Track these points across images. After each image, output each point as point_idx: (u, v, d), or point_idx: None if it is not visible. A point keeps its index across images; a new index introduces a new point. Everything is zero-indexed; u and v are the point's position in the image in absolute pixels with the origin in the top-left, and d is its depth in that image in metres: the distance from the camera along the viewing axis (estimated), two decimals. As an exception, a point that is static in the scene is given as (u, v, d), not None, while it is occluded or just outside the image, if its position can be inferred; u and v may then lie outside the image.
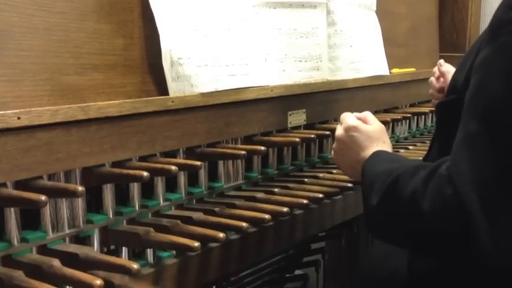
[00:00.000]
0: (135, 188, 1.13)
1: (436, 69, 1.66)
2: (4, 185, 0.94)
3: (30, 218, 1.00)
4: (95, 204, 1.11)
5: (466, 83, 0.86)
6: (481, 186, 0.75)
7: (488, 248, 0.75)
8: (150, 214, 1.17)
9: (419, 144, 1.91)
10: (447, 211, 0.78)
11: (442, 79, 1.61)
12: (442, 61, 1.64)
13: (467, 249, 0.78)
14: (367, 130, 1.10)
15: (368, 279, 1.20)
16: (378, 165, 0.98)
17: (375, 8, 1.87)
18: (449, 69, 1.60)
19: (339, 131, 1.14)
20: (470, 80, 0.84)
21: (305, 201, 1.26)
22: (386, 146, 1.09)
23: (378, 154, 1.03)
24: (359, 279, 1.19)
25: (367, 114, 1.15)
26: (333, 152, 1.18)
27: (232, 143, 1.35)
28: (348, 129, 1.11)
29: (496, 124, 0.77)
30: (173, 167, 1.06)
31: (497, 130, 0.77)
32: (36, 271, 0.91)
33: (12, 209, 0.95)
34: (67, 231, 1.03)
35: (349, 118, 1.13)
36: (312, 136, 1.44)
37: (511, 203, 0.75)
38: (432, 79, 1.67)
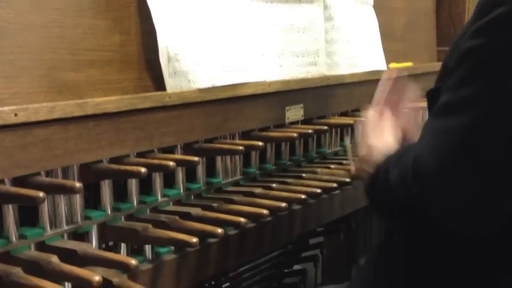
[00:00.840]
0: (133, 184, 1.13)
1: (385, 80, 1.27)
2: (2, 181, 0.94)
3: (28, 215, 1.00)
4: (93, 200, 1.10)
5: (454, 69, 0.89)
6: (437, 152, 0.83)
7: (440, 209, 0.84)
8: (148, 210, 1.17)
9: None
10: (406, 179, 0.87)
11: None
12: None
13: (423, 211, 0.87)
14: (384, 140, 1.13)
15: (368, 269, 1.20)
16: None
17: (372, 2, 1.86)
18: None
19: (363, 151, 1.15)
20: (454, 65, 0.87)
21: (303, 197, 1.27)
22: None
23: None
24: (359, 271, 1.19)
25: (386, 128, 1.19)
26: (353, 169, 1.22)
27: (229, 139, 1.34)
28: (371, 148, 1.12)
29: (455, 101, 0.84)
30: (171, 163, 1.06)
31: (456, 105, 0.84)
32: (34, 267, 0.91)
33: (10, 206, 0.95)
34: (65, 227, 1.03)
35: (370, 134, 1.16)
36: (310, 131, 1.44)
37: (462, 168, 0.81)
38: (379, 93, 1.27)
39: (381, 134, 1.15)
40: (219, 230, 1.05)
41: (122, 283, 0.94)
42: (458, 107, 0.84)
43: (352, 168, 1.23)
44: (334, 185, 1.38)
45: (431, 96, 0.99)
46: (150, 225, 1.06)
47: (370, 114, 1.18)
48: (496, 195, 0.82)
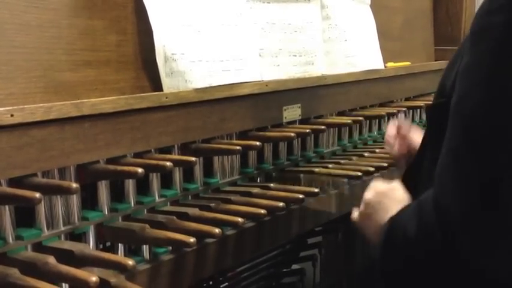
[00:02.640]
0: (130, 185, 1.13)
1: (391, 129, 1.36)
2: (-2, 182, 0.93)
3: (25, 216, 0.99)
4: (90, 201, 1.10)
5: (453, 87, 0.85)
6: (462, 199, 0.76)
7: (473, 260, 0.76)
8: (145, 210, 1.17)
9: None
10: (430, 232, 0.79)
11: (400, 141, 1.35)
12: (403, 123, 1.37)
13: (453, 266, 0.78)
14: (396, 196, 1.06)
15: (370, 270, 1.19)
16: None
17: (369, 1, 1.87)
18: (410, 131, 1.33)
19: (369, 194, 1.11)
20: (455, 87, 0.83)
21: (301, 196, 1.26)
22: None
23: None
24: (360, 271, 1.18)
25: (396, 183, 1.11)
26: (356, 213, 1.15)
27: (227, 139, 1.34)
28: (378, 194, 1.08)
29: (477, 136, 0.77)
30: (168, 163, 1.06)
31: (478, 142, 0.77)
32: (31, 268, 0.91)
33: (6, 207, 0.95)
34: (62, 228, 1.03)
35: (379, 184, 1.11)
36: (307, 131, 1.44)
37: (492, 214, 0.74)
38: (389, 140, 1.37)
39: (393, 190, 1.08)
40: (217, 230, 1.05)
41: (119, 284, 0.93)
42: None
43: (355, 214, 1.15)
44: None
45: (432, 113, 0.96)
46: (147, 226, 1.06)
47: (368, 196, 1.11)
48: None
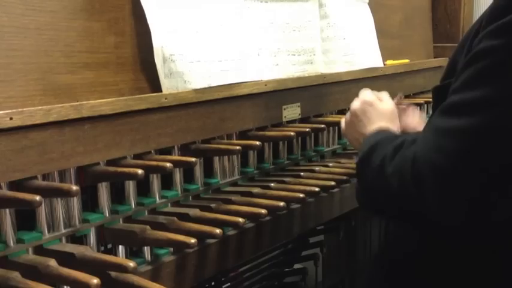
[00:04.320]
0: (130, 186, 1.13)
1: None
2: (-2, 186, 0.93)
3: (26, 219, 0.99)
4: (90, 203, 1.10)
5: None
6: (439, 151, 0.82)
7: (437, 210, 0.83)
8: (146, 212, 1.16)
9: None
10: (404, 173, 0.86)
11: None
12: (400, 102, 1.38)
13: (418, 209, 0.85)
14: (381, 107, 1.17)
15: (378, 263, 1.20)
16: (375, 137, 1.04)
17: (367, -1, 1.86)
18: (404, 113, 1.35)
19: (355, 103, 1.19)
20: (465, 66, 0.85)
21: (301, 195, 1.26)
22: (394, 125, 1.14)
23: (380, 130, 1.09)
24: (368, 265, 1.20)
25: (384, 94, 1.22)
26: (343, 122, 1.23)
27: (227, 139, 1.34)
28: (364, 103, 1.17)
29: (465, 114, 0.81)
30: (168, 164, 1.06)
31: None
32: (32, 272, 0.91)
33: (7, 210, 0.95)
34: (63, 230, 1.03)
35: (366, 93, 1.20)
36: (307, 130, 1.43)
37: (465, 170, 0.80)
38: None
39: (380, 101, 1.18)
40: (218, 231, 1.05)
41: (119, 276, 0.93)
42: (467, 107, 0.82)
43: (342, 122, 1.23)
44: (333, 183, 1.38)
45: (438, 94, 0.98)
46: (148, 227, 1.06)
47: (354, 104, 1.20)
48: (495, 200, 0.81)
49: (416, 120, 1.31)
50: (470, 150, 0.80)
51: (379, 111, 1.16)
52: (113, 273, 0.95)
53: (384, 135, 1.03)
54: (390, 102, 1.20)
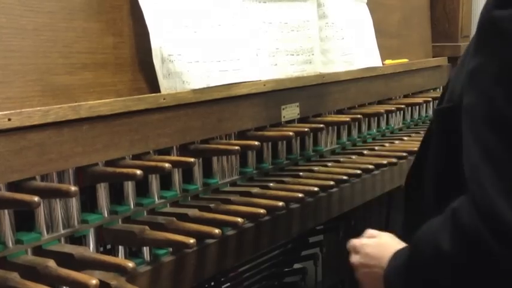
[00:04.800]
0: (129, 187, 1.13)
1: None
2: (-4, 187, 0.93)
3: (25, 219, 0.99)
4: (89, 203, 1.10)
5: (462, 90, 0.83)
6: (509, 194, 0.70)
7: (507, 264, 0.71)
8: (145, 212, 1.16)
9: (413, 135, 1.91)
10: (474, 234, 0.73)
11: None
12: None
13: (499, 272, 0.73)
14: (377, 242, 1.03)
15: None
16: (396, 262, 0.91)
17: (365, -1, 1.86)
18: None
19: (353, 258, 1.06)
20: (464, 91, 0.81)
21: (300, 195, 1.26)
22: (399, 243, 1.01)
23: (394, 256, 0.94)
24: None
25: (369, 231, 1.09)
26: (360, 279, 1.07)
27: (225, 139, 1.34)
28: (359, 249, 1.05)
29: (508, 130, 0.73)
30: (166, 164, 1.06)
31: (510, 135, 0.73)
32: (31, 272, 0.91)
33: (6, 211, 0.95)
34: (62, 231, 1.03)
35: (355, 242, 1.07)
36: (306, 130, 1.44)
37: None
38: None
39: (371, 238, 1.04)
40: (216, 231, 1.05)
41: (119, 286, 0.93)
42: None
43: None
44: (332, 182, 1.38)
45: (444, 116, 0.93)
46: (147, 227, 1.06)
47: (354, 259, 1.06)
48: None
49: None
50: None
51: (379, 246, 1.01)
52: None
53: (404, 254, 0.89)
54: (380, 234, 1.06)
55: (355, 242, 1.06)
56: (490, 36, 0.78)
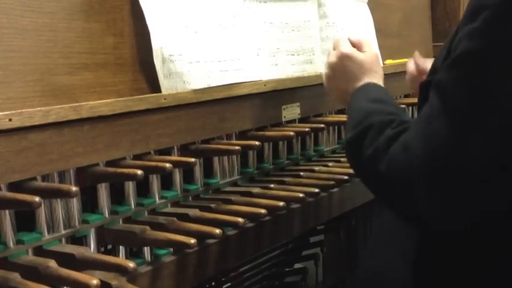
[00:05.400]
0: (130, 187, 1.13)
1: (411, 67, 1.48)
2: (-3, 187, 0.93)
3: (26, 220, 0.99)
4: (90, 204, 1.10)
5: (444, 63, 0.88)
6: (427, 157, 0.80)
7: (426, 212, 0.81)
8: (146, 212, 1.17)
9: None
10: (395, 176, 0.84)
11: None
12: (419, 59, 1.47)
13: (410, 210, 0.85)
14: (361, 59, 1.11)
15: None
16: (362, 100, 1.02)
17: (366, -1, 1.86)
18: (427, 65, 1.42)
19: (332, 58, 1.13)
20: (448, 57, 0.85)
21: (301, 195, 1.26)
22: (377, 76, 1.11)
23: (365, 87, 1.06)
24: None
25: (363, 40, 1.16)
26: (324, 77, 1.19)
27: (226, 139, 1.34)
28: (342, 58, 1.12)
29: (454, 101, 0.80)
30: (167, 165, 1.06)
31: (455, 108, 0.80)
32: (32, 273, 0.91)
33: (7, 211, 0.95)
34: (63, 231, 1.03)
35: (343, 45, 1.13)
36: (307, 129, 1.43)
37: (451, 175, 0.79)
38: (409, 77, 1.50)
39: (360, 50, 1.14)
40: (217, 231, 1.05)
41: (120, 286, 0.93)
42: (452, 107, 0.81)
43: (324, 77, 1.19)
44: (332, 182, 1.38)
45: (424, 90, 0.99)
46: (148, 228, 1.06)
47: (331, 59, 1.15)
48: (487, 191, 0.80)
49: None
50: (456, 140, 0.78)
51: (360, 64, 1.10)
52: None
53: (372, 99, 1.01)
54: (369, 49, 1.15)
55: (343, 46, 1.15)
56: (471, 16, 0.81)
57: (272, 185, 1.34)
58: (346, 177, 1.42)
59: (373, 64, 1.13)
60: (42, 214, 1.00)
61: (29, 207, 0.88)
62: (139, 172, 1.01)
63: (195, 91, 1.24)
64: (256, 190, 1.30)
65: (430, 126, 0.82)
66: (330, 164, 1.54)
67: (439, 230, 0.87)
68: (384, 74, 1.87)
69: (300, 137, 1.54)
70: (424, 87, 0.97)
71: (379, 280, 1.07)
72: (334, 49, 1.18)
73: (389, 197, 0.91)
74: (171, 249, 1.10)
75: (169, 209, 1.21)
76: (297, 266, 2.03)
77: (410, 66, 1.48)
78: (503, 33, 0.77)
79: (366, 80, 1.09)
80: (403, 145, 0.85)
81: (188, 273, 1.11)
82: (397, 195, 0.86)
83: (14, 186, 0.95)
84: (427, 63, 1.38)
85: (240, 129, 1.36)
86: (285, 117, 1.49)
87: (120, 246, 1.10)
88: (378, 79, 1.12)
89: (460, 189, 0.79)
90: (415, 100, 2.00)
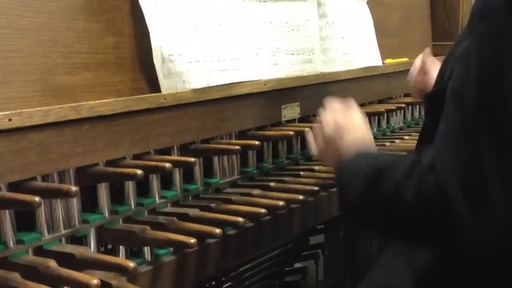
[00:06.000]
0: (130, 187, 1.13)
1: (418, 62, 1.48)
2: (-3, 187, 0.93)
3: (26, 220, 0.99)
4: (90, 203, 1.10)
5: (451, 74, 0.86)
6: (461, 176, 0.76)
7: (471, 233, 0.76)
8: (146, 212, 1.17)
9: (414, 134, 1.91)
10: (429, 200, 0.79)
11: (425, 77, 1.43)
12: (428, 57, 1.45)
13: (450, 236, 0.80)
14: (351, 119, 1.11)
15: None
16: (356, 162, 0.98)
17: (366, -2, 1.86)
18: (433, 66, 1.41)
19: (328, 128, 1.13)
20: (453, 71, 0.84)
21: (301, 197, 1.26)
22: (367, 141, 1.10)
23: (358, 153, 1.02)
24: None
25: (350, 106, 1.15)
26: (315, 149, 1.18)
27: (226, 139, 1.34)
28: (335, 128, 1.11)
29: (477, 116, 0.77)
30: (167, 164, 1.06)
31: (478, 122, 0.77)
32: (32, 272, 0.91)
33: (6, 211, 0.95)
34: (63, 231, 1.03)
35: (329, 115, 1.14)
36: (307, 129, 1.43)
37: (490, 191, 0.75)
38: (413, 72, 1.50)
39: (352, 117, 1.12)
40: (217, 230, 1.05)
41: (120, 286, 0.93)
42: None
43: (314, 149, 1.19)
44: (332, 182, 1.38)
45: (430, 101, 0.96)
46: (148, 227, 1.06)
47: (335, 104, 1.14)
48: None
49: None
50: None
51: (348, 130, 1.09)
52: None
53: (367, 158, 0.97)
54: (357, 115, 1.14)
55: (332, 110, 1.14)
56: (478, 21, 0.80)
57: (272, 184, 1.34)
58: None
59: (362, 130, 1.12)
60: (42, 214, 1.00)
61: (29, 207, 0.88)
62: (139, 172, 1.01)
63: (195, 91, 1.24)
64: (256, 191, 1.29)
65: (456, 138, 0.79)
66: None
67: (475, 247, 0.79)
68: (384, 74, 1.90)
69: (299, 137, 1.54)
70: (434, 97, 0.95)
71: None
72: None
73: (422, 226, 0.83)
74: (171, 249, 1.10)
75: (169, 209, 1.21)
76: (297, 265, 2.03)
77: (417, 63, 1.48)
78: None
79: (355, 144, 1.06)
80: (428, 165, 0.81)
81: (188, 273, 1.11)
82: (433, 221, 0.81)
83: (13, 186, 0.95)
84: (435, 65, 1.38)
85: (240, 128, 1.36)
86: (284, 116, 1.49)
87: (120, 246, 1.10)
88: (368, 143, 1.10)
89: (501, 201, 0.75)
90: (415, 100, 2.01)
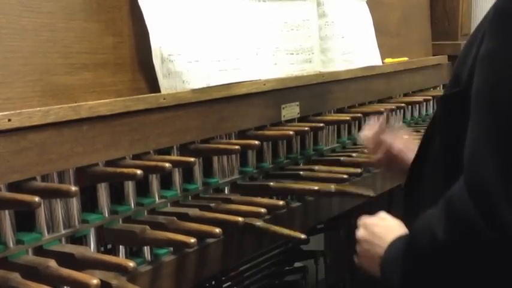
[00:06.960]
0: (129, 187, 1.13)
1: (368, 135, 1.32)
2: (-3, 187, 0.93)
3: (25, 220, 0.99)
4: (89, 203, 1.10)
5: (470, 75, 0.84)
6: (505, 180, 0.72)
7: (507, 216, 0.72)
8: (145, 212, 1.17)
9: (414, 133, 1.91)
10: (470, 223, 0.75)
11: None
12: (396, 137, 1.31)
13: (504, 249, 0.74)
14: (385, 224, 1.06)
15: None
16: (393, 250, 0.94)
17: (365, -2, 1.86)
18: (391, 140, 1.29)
19: (360, 233, 1.09)
20: (475, 73, 0.81)
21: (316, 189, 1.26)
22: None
23: (392, 244, 0.97)
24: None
25: (382, 213, 1.10)
26: (356, 256, 1.11)
27: (226, 138, 1.34)
28: (367, 226, 1.07)
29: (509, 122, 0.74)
30: (166, 164, 1.06)
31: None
32: (32, 272, 0.91)
33: (6, 211, 0.95)
34: (63, 231, 1.03)
35: (366, 220, 1.09)
36: (306, 129, 1.44)
37: None
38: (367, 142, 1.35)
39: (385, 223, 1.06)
40: (217, 230, 1.05)
41: (120, 286, 0.93)
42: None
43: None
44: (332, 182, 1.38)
45: (446, 103, 0.93)
46: (147, 227, 1.06)
47: (360, 233, 1.08)
48: None
49: (404, 139, 1.27)
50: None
51: (388, 228, 1.03)
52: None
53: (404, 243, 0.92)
54: (390, 218, 1.07)
55: (366, 219, 1.09)
56: (505, 22, 0.78)
57: (272, 184, 1.34)
58: (345, 176, 1.41)
59: (398, 227, 1.04)
60: (42, 214, 1.00)
61: (29, 207, 0.88)
62: (138, 172, 1.02)
63: (194, 91, 1.24)
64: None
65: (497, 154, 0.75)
66: (342, 158, 1.54)
67: None
68: (383, 73, 1.90)
69: (299, 136, 1.54)
70: (451, 100, 0.92)
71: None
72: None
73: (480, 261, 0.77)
74: (171, 249, 1.11)
75: (169, 209, 1.21)
76: (297, 264, 2.03)
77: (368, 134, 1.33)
78: None
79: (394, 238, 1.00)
80: (459, 186, 0.77)
81: (188, 273, 1.11)
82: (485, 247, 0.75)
83: (13, 187, 0.95)
84: (410, 146, 1.24)
85: (240, 128, 1.37)
86: (284, 116, 1.49)
87: (120, 246, 1.10)
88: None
89: None
90: (415, 99, 2.01)
